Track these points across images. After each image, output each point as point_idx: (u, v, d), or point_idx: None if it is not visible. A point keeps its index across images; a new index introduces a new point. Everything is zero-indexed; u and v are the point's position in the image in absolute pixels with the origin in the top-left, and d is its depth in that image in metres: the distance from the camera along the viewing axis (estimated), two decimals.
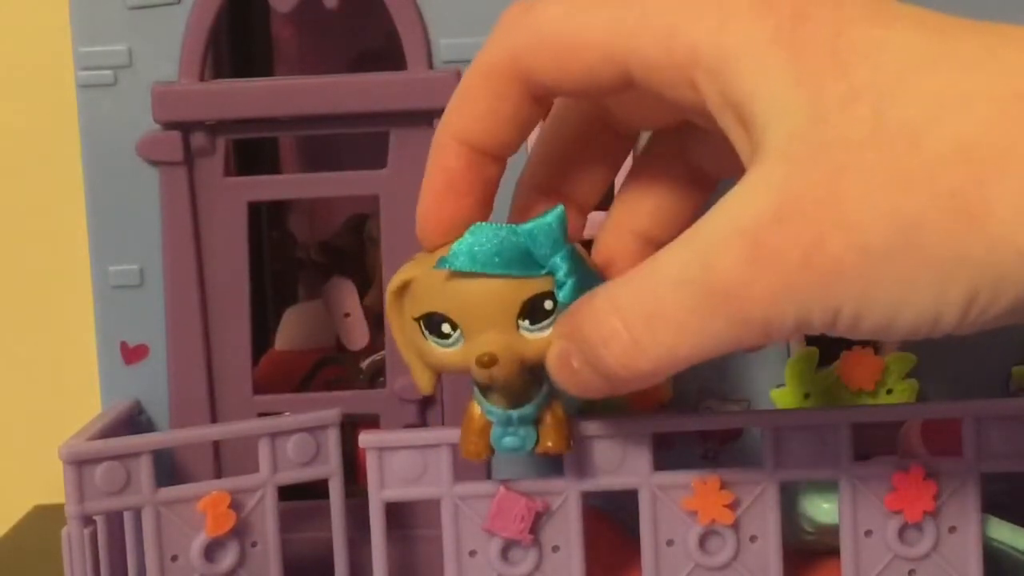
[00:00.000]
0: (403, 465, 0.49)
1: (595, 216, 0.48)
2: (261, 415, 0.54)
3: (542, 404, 0.45)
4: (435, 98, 0.52)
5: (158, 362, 0.55)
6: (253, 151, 0.62)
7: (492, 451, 0.46)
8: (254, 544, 0.50)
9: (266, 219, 0.64)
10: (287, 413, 0.53)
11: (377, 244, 0.56)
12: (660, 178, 0.46)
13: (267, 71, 0.63)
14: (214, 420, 0.55)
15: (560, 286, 0.43)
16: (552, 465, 0.52)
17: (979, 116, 0.34)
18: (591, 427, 0.48)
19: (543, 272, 0.43)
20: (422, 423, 0.55)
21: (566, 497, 0.49)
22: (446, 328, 0.43)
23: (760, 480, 0.49)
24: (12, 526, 0.71)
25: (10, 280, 0.81)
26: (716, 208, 0.37)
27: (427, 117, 0.53)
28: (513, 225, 0.43)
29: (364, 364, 0.61)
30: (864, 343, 0.55)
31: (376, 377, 0.60)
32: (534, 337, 0.43)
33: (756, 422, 0.50)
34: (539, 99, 0.42)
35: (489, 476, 0.53)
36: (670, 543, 0.49)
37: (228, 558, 0.50)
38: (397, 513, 0.52)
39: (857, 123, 0.35)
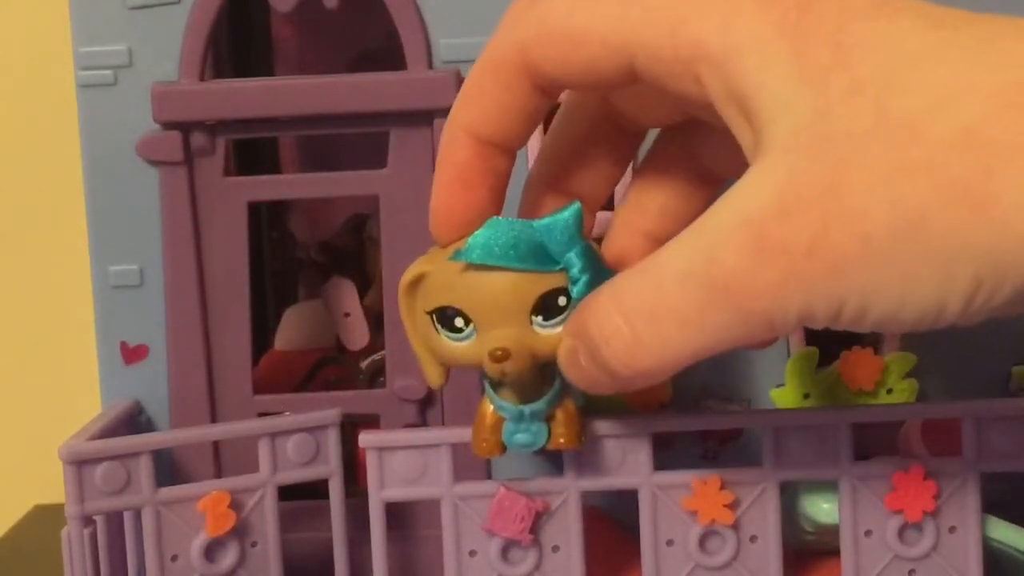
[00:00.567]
0: (403, 465, 0.49)
1: (603, 216, 0.48)
2: (261, 415, 0.54)
3: (554, 400, 0.45)
4: (435, 98, 0.52)
5: (158, 362, 0.55)
6: (253, 151, 0.62)
7: (504, 448, 0.46)
8: (254, 544, 0.50)
9: (266, 219, 0.64)
10: (287, 413, 0.53)
11: (377, 244, 0.56)
12: (667, 177, 0.46)
13: (267, 71, 0.63)
14: (214, 420, 0.55)
15: (574, 282, 0.43)
16: (552, 465, 0.52)
17: (982, 106, 0.34)
18: (591, 426, 0.48)
19: (558, 268, 0.43)
20: (422, 423, 0.55)
21: (566, 497, 0.49)
22: (459, 322, 0.43)
23: (760, 480, 0.49)
24: (12, 526, 0.71)
25: (10, 280, 0.81)
26: (720, 202, 0.37)
27: (427, 117, 0.53)
28: (529, 220, 0.43)
29: (364, 364, 0.61)
30: (864, 343, 0.55)
31: (376, 377, 0.60)
32: (547, 333, 0.43)
33: (756, 422, 0.50)
34: (546, 91, 0.42)
35: (489, 476, 0.52)
36: (670, 543, 0.49)
37: (228, 558, 0.50)
38: (397, 513, 0.52)
39: (860, 115, 0.35)
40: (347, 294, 0.62)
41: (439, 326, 0.44)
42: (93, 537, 0.49)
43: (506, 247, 0.42)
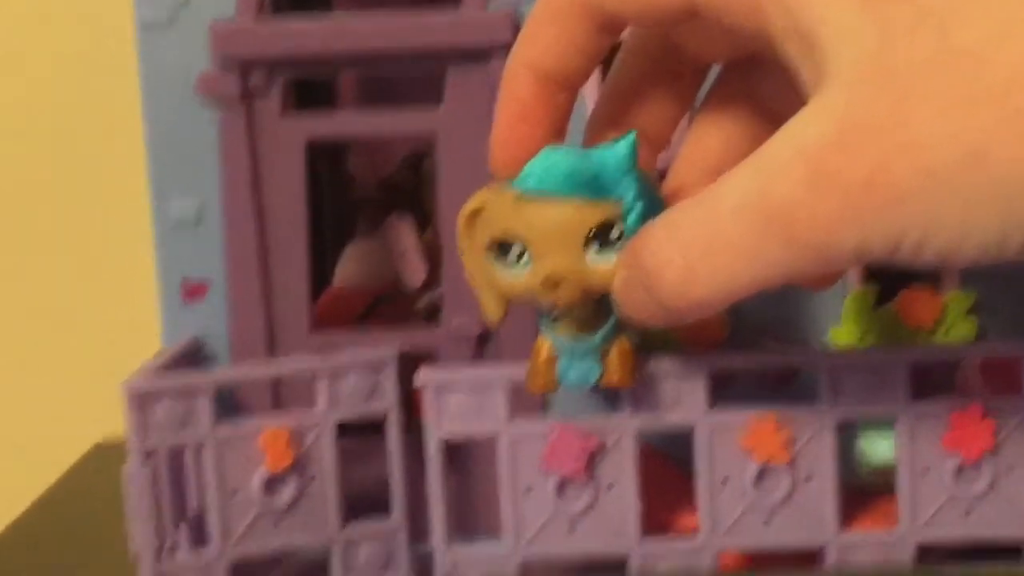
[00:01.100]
0: (460, 403, 0.49)
1: (666, 155, 0.47)
2: (319, 351, 0.54)
3: (608, 336, 0.45)
4: (491, 37, 0.52)
5: (217, 299, 0.55)
6: (311, 90, 0.62)
7: (557, 385, 0.46)
8: (313, 479, 0.51)
9: (326, 158, 0.64)
10: (345, 350, 0.54)
11: (434, 181, 0.56)
12: (728, 114, 0.46)
13: (325, 9, 0.63)
14: (273, 356, 0.55)
15: (628, 212, 0.43)
16: (608, 403, 0.52)
17: None
18: (647, 365, 0.48)
19: (613, 198, 0.43)
20: (478, 361, 0.55)
21: (621, 435, 0.49)
22: (515, 252, 0.44)
23: (817, 419, 0.49)
24: (73, 464, 0.72)
25: (72, 219, 0.82)
26: (778, 134, 0.37)
27: (484, 56, 0.53)
28: (585, 149, 0.43)
29: (421, 302, 0.62)
30: (923, 281, 0.54)
31: (433, 315, 0.60)
32: (601, 264, 0.43)
33: (814, 361, 0.50)
34: (607, 28, 0.42)
35: (545, 412, 0.53)
36: (725, 481, 0.49)
37: (287, 493, 0.51)
38: (454, 450, 0.52)
39: (923, 46, 0.35)
40: (405, 232, 0.62)
41: (496, 257, 0.44)
42: (155, 473, 0.50)
43: (562, 175, 0.42)
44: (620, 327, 0.46)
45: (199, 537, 0.51)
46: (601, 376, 0.46)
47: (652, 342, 0.52)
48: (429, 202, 0.63)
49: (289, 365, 0.52)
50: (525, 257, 0.44)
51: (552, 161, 0.42)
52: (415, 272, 0.62)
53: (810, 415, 0.49)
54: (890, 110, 0.35)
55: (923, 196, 0.35)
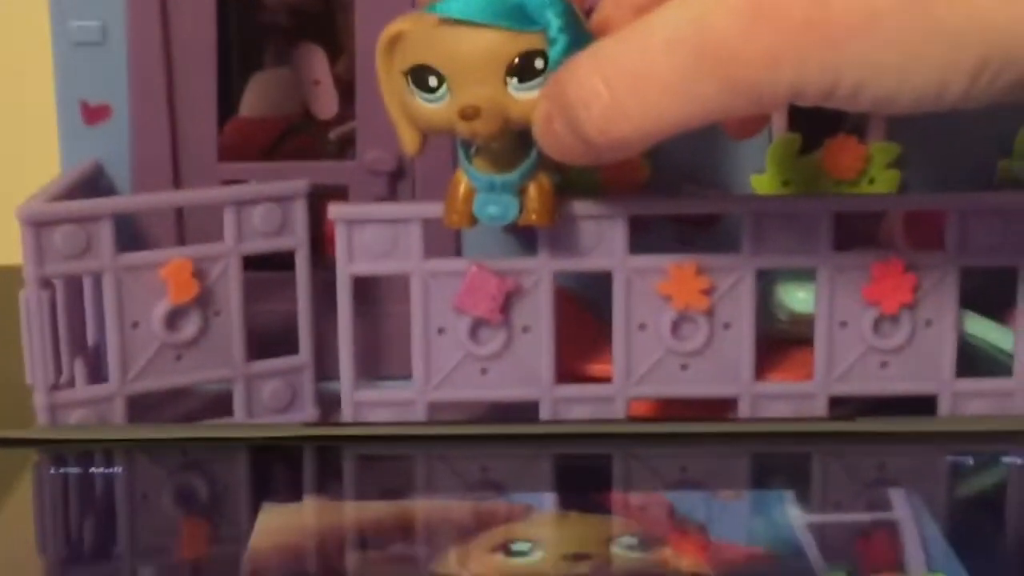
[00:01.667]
0: (373, 239, 0.48)
1: None
2: (226, 183, 0.52)
3: (527, 173, 0.45)
4: None
5: (120, 123, 0.53)
6: None
7: (475, 220, 0.46)
8: (217, 314, 0.49)
9: None
10: (253, 182, 0.52)
11: (349, 9, 0.54)
12: None
13: None
14: (178, 187, 0.53)
15: (552, 43, 0.42)
16: (525, 245, 0.51)
17: None
18: (566, 206, 0.47)
19: (537, 28, 0.42)
20: (392, 197, 0.53)
21: (538, 277, 0.48)
22: (433, 81, 0.43)
23: (737, 267, 0.48)
24: None
25: None
26: None
27: None
28: None
29: (333, 134, 0.60)
30: (848, 130, 0.53)
31: (345, 148, 0.59)
32: (522, 96, 0.42)
33: (736, 207, 0.49)
34: None
35: (460, 254, 0.51)
36: (643, 327, 0.48)
37: (190, 327, 0.49)
38: (365, 287, 0.51)
39: None
40: (317, 61, 0.59)
41: (414, 86, 0.43)
42: (52, 301, 0.48)
43: (484, 2, 0.41)
44: (540, 165, 0.45)
45: (97, 371, 0.50)
46: (519, 214, 0.45)
47: (572, 182, 0.50)
48: (342, 30, 0.61)
49: (194, 195, 0.50)
50: (444, 87, 0.43)
51: None
52: (327, 103, 0.60)
53: (730, 262, 0.48)
54: None
55: (864, 37, 0.34)
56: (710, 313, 0.48)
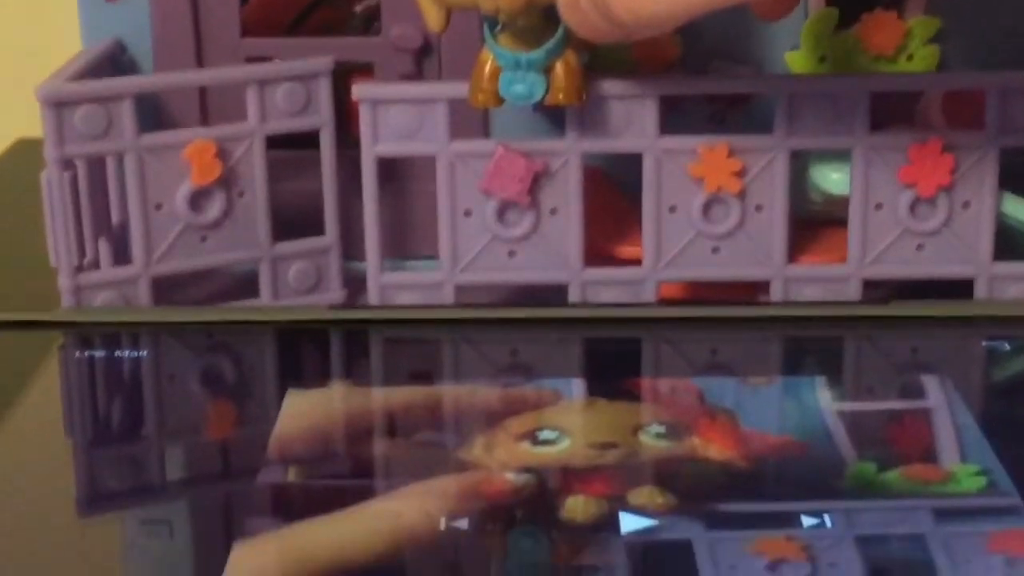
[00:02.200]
0: (398, 119, 0.47)
1: None
2: (249, 60, 0.51)
3: (554, 51, 0.44)
4: None
5: (141, 0, 0.52)
6: None
7: (501, 100, 0.45)
8: (241, 194, 0.49)
9: None
10: (276, 59, 0.51)
11: None
12: None
13: None
14: (200, 65, 0.52)
15: None
16: (554, 126, 0.50)
17: None
18: (596, 85, 0.46)
19: None
20: (418, 75, 0.52)
21: (567, 158, 0.47)
22: None
23: (770, 148, 0.47)
24: None
25: None
26: None
27: None
28: None
29: (358, 8, 0.59)
30: (886, 5, 0.52)
31: (371, 23, 0.57)
32: None
33: (770, 86, 0.48)
34: None
35: (487, 135, 0.50)
36: (673, 210, 0.48)
37: (214, 208, 0.48)
38: (390, 166, 0.50)
39: None
40: None
41: None
42: (74, 181, 0.47)
43: None
44: (567, 43, 0.44)
45: (122, 253, 0.49)
46: (546, 93, 0.45)
47: (601, 61, 0.49)
48: None
49: (217, 74, 0.49)
50: None
51: None
52: None
53: (763, 143, 0.47)
54: None
55: None
56: (742, 195, 0.47)
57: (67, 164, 0.47)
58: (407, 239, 0.52)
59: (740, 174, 0.47)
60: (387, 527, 0.36)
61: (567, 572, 0.34)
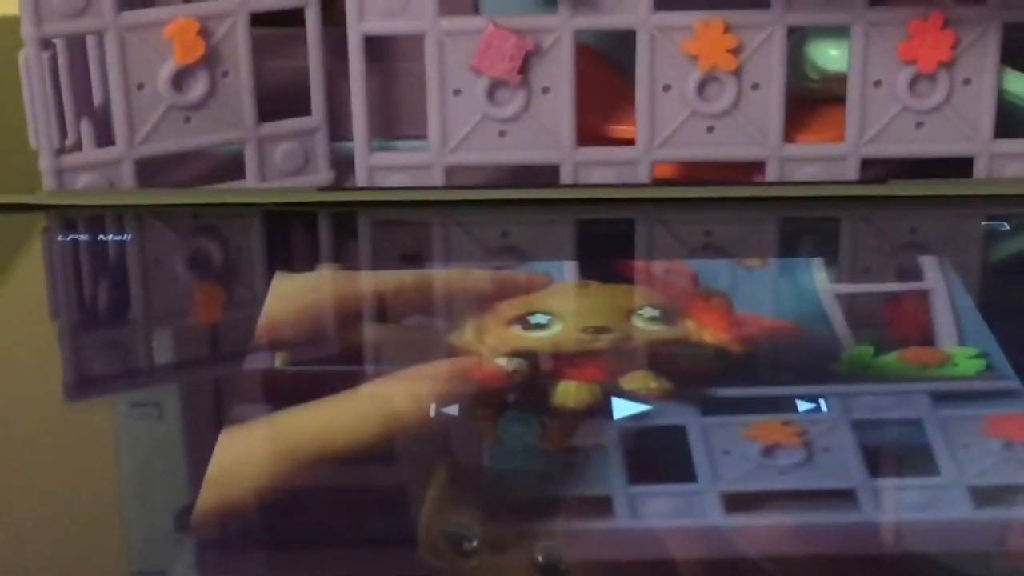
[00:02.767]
0: None
1: None
2: None
3: None
4: None
5: None
6: None
7: None
8: (225, 74, 0.48)
9: None
10: None
11: None
12: None
13: None
14: None
15: None
16: (545, 3, 0.49)
17: None
18: None
19: None
20: None
21: (559, 35, 0.46)
22: None
23: (767, 24, 0.46)
24: None
25: None
26: None
27: None
28: None
29: None
30: None
31: None
32: None
33: None
34: None
35: (477, 11, 0.49)
36: (667, 88, 0.47)
37: (198, 88, 0.47)
38: (378, 45, 0.49)
39: None
40: None
41: None
42: (53, 62, 0.46)
43: None
44: None
45: (105, 135, 0.48)
46: None
47: None
48: None
49: None
50: None
51: None
52: None
53: (760, 19, 0.46)
54: None
55: None
56: (738, 73, 0.46)
57: (46, 44, 0.46)
58: (395, 120, 0.51)
59: (736, 51, 0.46)
60: (376, 412, 0.35)
61: (559, 457, 0.33)
